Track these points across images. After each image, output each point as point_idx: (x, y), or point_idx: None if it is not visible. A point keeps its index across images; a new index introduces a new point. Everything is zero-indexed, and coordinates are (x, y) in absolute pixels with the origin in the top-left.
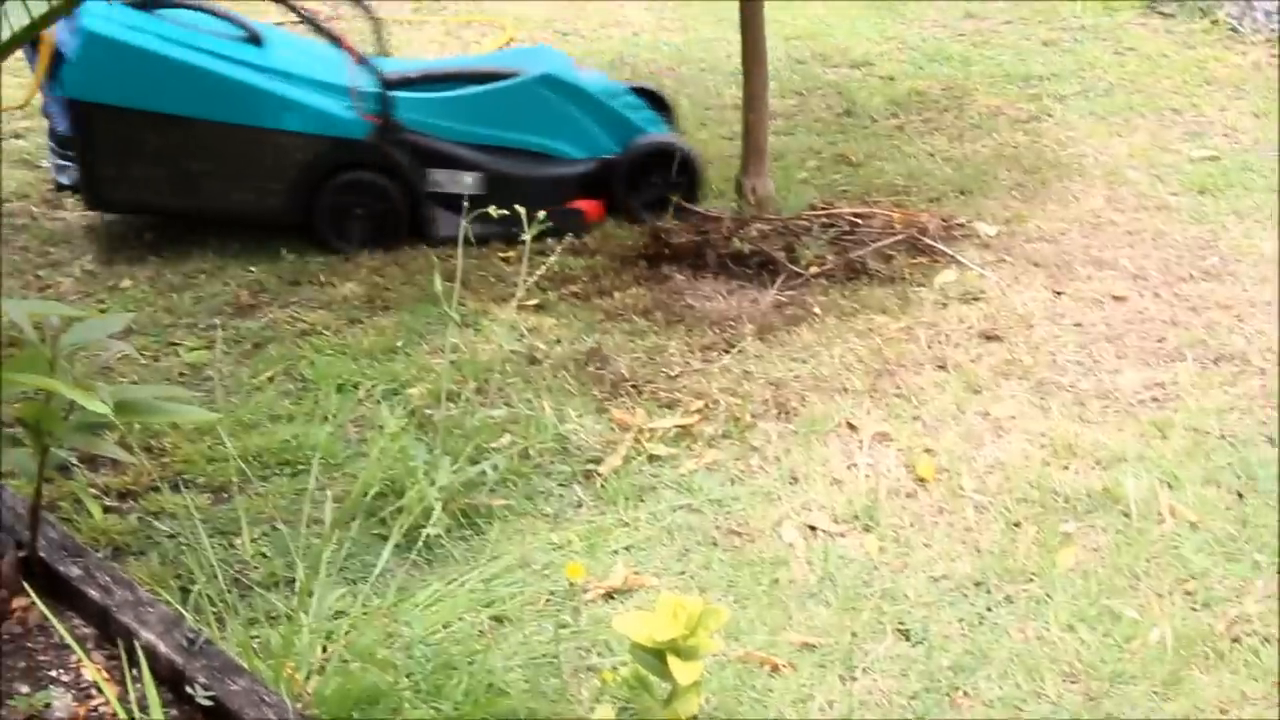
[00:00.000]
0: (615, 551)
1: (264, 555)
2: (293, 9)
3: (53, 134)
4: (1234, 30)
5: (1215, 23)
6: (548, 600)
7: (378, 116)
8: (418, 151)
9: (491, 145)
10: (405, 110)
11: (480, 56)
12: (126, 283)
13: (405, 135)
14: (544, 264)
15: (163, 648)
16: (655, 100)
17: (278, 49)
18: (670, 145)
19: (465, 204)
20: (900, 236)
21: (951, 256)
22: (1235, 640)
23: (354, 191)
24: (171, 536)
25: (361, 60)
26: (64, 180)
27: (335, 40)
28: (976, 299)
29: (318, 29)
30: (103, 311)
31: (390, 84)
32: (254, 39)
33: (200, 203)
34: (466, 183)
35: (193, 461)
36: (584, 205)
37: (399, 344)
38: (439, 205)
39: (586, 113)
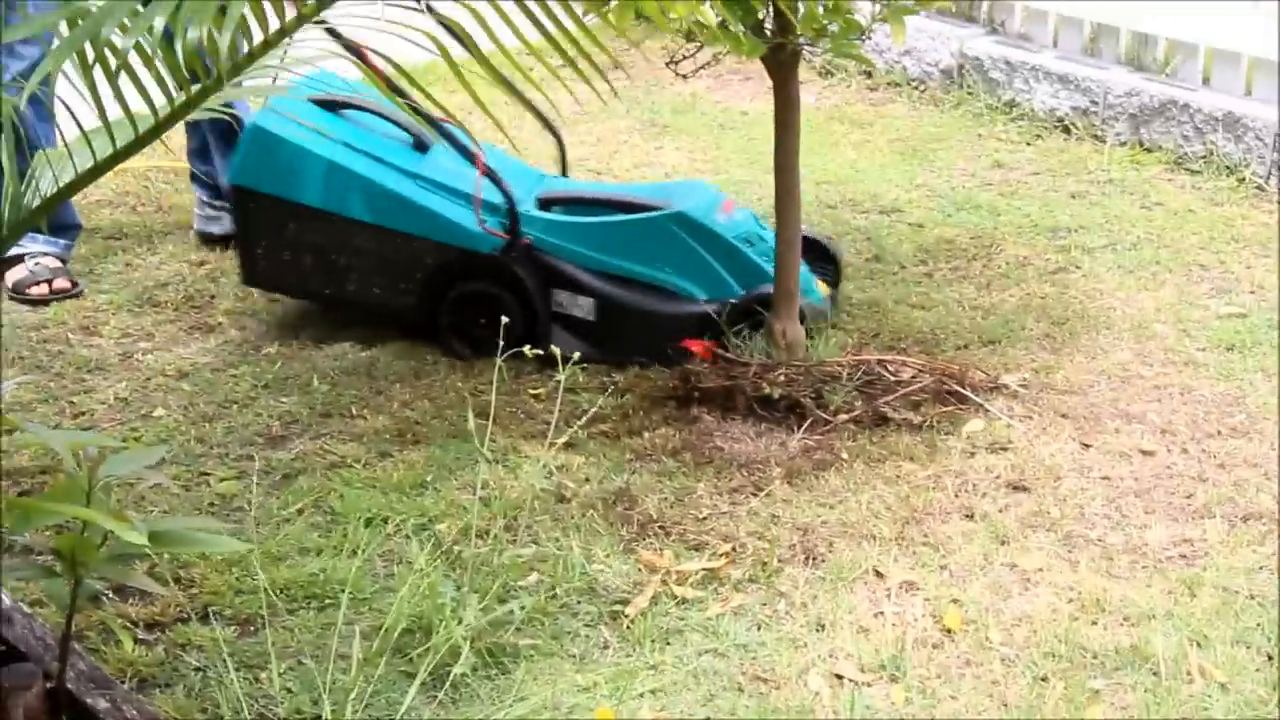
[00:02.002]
0: (641, 695)
1: (290, 690)
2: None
3: (206, 187)
4: (1260, 188)
5: (1242, 181)
6: None
7: (505, 233)
8: (543, 270)
9: (615, 274)
10: (536, 229)
11: (634, 186)
12: (159, 411)
13: (533, 254)
14: (575, 402)
15: None
16: (819, 251)
17: (439, 157)
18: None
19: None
20: (929, 383)
21: (980, 405)
22: None
23: (475, 302)
24: (198, 669)
25: (488, 173)
26: (213, 230)
27: (469, 158)
28: (1004, 449)
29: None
30: (136, 440)
31: (543, 203)
32: (419, 146)
33: (340, 292)
34: (584, 306)
35: (221, 593)
36: (694, 345)
37: (429, 479)
38: (558, 324)
39: (715, 254)
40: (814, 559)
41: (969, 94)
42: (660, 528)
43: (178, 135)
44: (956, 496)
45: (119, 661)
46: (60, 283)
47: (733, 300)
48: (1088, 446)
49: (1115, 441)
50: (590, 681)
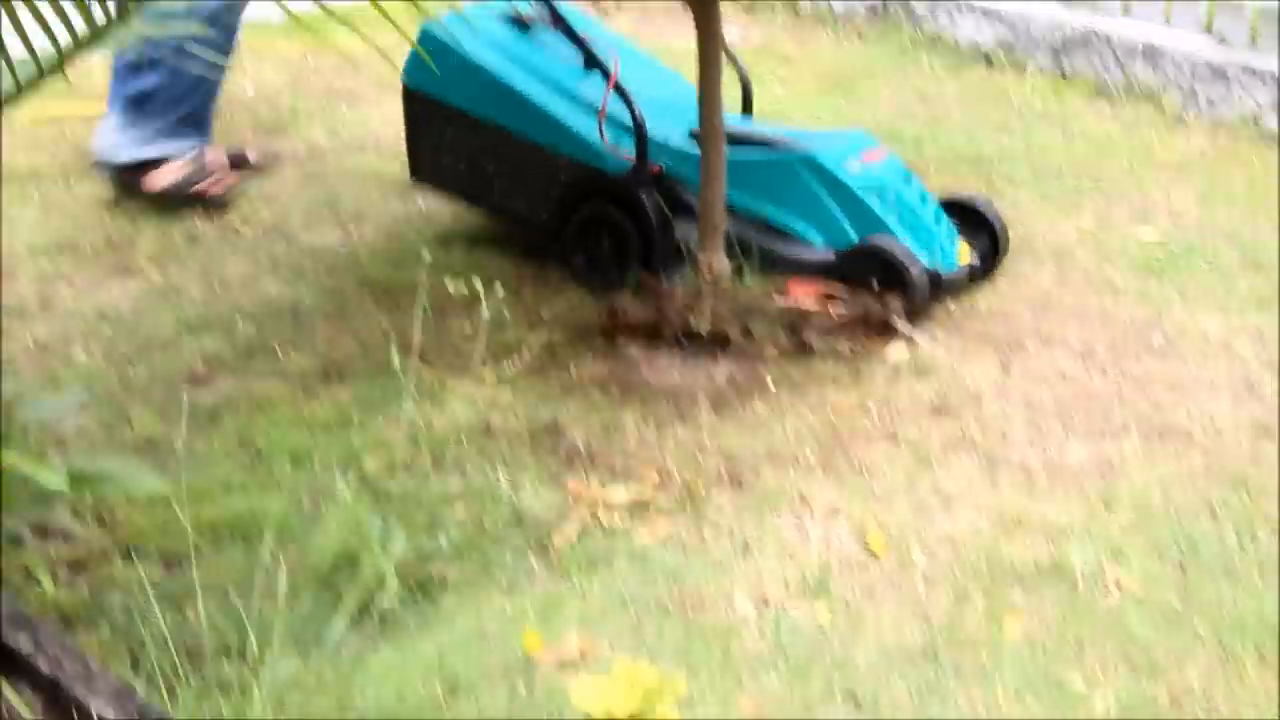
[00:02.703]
0: (570, 621)
1: (216, 625)
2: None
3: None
4: (1179, 116)
5: (1161, 109)
6: (502, 670)
7: (633, 157)
8: (669, 200)
9: (737, 212)
10: (667, 158)
11: (790, 129)
12: (80, 354)
13: (662, 182)
14: (501, 337)
15: (113, 719)
16: (971, 216)
17: (596, 79)
18: (881, 252)
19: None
20: (854, 315)
21: (904, 335)
22: (1179, 709)
23: (599, 225)
24: (123, 607)
25: (619, 91)
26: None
27: (605, 73)
28: (927, 374)
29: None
30: (56, 384)
31: (695, 135)
32: (589, 63)
33: (489, 200)
34: (692, 237)
35: (145, 532)
36: (802, 289)
37: (355, 416)
38: (678, 258)
39: (839, 202)
40: (740, 486)
41: (893, 27)
42: (588, 459)
43: (99, 78)
44: (880, 421)
45: (42, 602)
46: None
47: (843, 250)
48: (1009, 370)
49: (1036, 365)
50: (518, 610)
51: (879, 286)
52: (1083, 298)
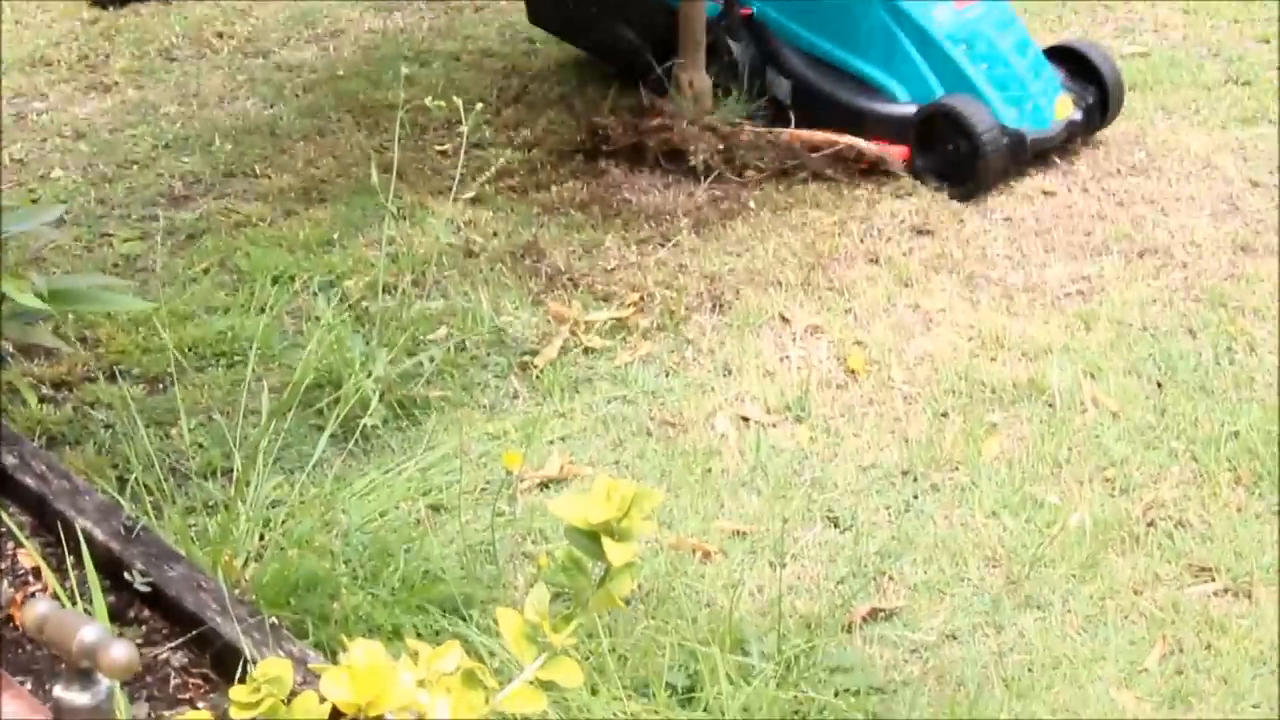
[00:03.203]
0: (551, 442)
1: (201, 445)
2: None
3: None
4: None
5: None
6: (484, 489)
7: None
8: (756, 42)
9: (819, 57)
10: (776, 10)
11: None
12: (57, 172)
13: (751, 25)
14: (481, 157)
15: (100, 535)
16: (1078, 65)
17: None
18: (953, 113)
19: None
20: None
21: (885, 166)
22: (1150, 524)
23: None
24: (107, 426)
25: None
26: None
27: None
28: (909, 194)
29: None
30: (34, 202)
31: None
32: None
33: (593, 43)
34: (783, 88)
35: (128, 352)
36: (889, 148)
37: (335, 236)
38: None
39: (923, 51)
40: (721, 306)
41: None
42: (569, 280)
43: None
44: (862, 241)
45: (27, 420)
46: None
47: (924, 105)
48: (990, 191)
49: (1017, 183)
50: (500, 430)
51: (954, 148)
52: None
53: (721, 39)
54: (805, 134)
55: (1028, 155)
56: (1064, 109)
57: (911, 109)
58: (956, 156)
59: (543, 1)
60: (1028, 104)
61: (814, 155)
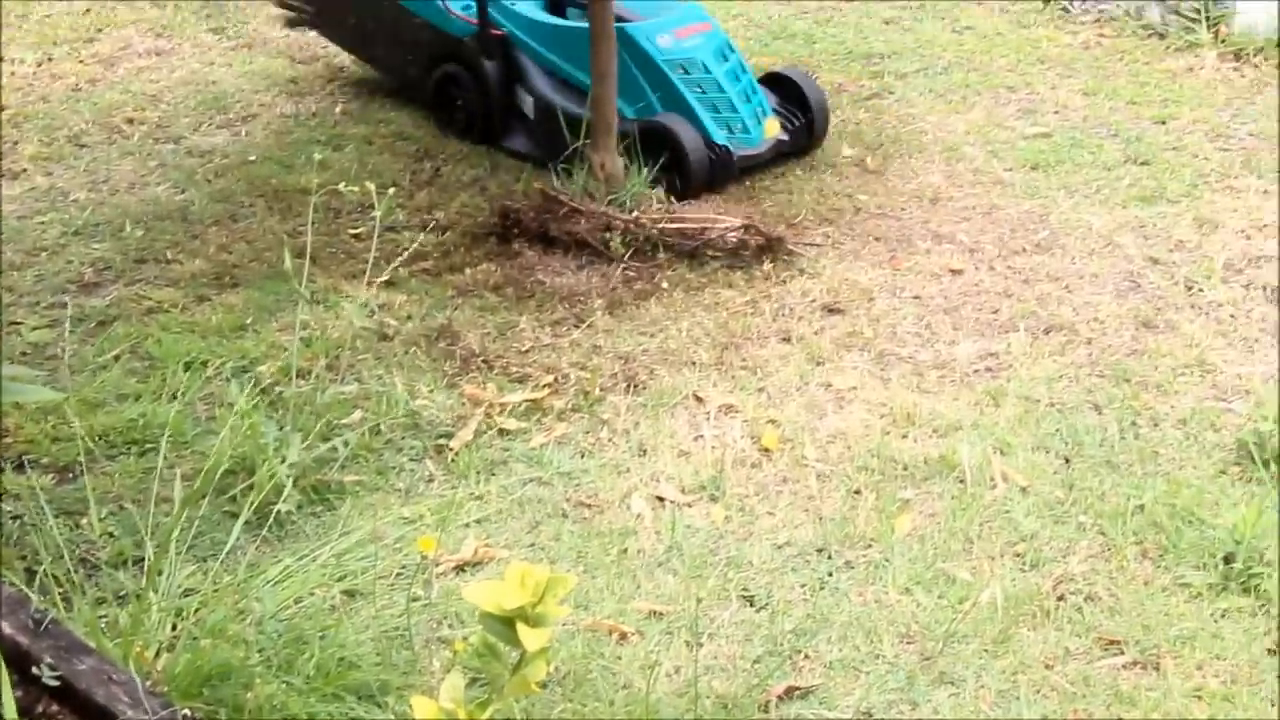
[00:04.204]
0: (466, 525)
1: (111, 535)
2: None
3: None
4: (1065, 10)
5: (1047, 3)
6: (399, 574)
7: (475, 21)
8: (507, 63)
9: (561, 77)
10: (511, 23)
11: (646, 2)
12: None
13: (504, 47)
14: (395, 240)
15: (7, 629)
16: (789, 91)
17: None
18: (665, 130)
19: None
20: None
21: (790, 249)
22: (1060, 599)
23: (453, 84)
24: (15, 518)
25: None
26: None
27: None
28: (819, 274)
29: None
30: None
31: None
32: None
33: (370, 55)
34: (528, 104)
35: (37, 442)
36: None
37: (248, 321)
38: (515, 119)
39: (645, 74)
40: (635, 386)
41: None
42: (483, 362)
43: None
44: (774, 320)
45: None
46: None
47: (630, 119)
48: (899, 267)
49: (926, 262)
50: (415, 514)
51: (667, 161)
52: (971, 193)
53: (475, 56)
54: (692, 216)
55: (735, 169)
56: (772, 129)
57: (635, 125)
58: (670, 167)
59: (323, 16)
60: (737, 124)
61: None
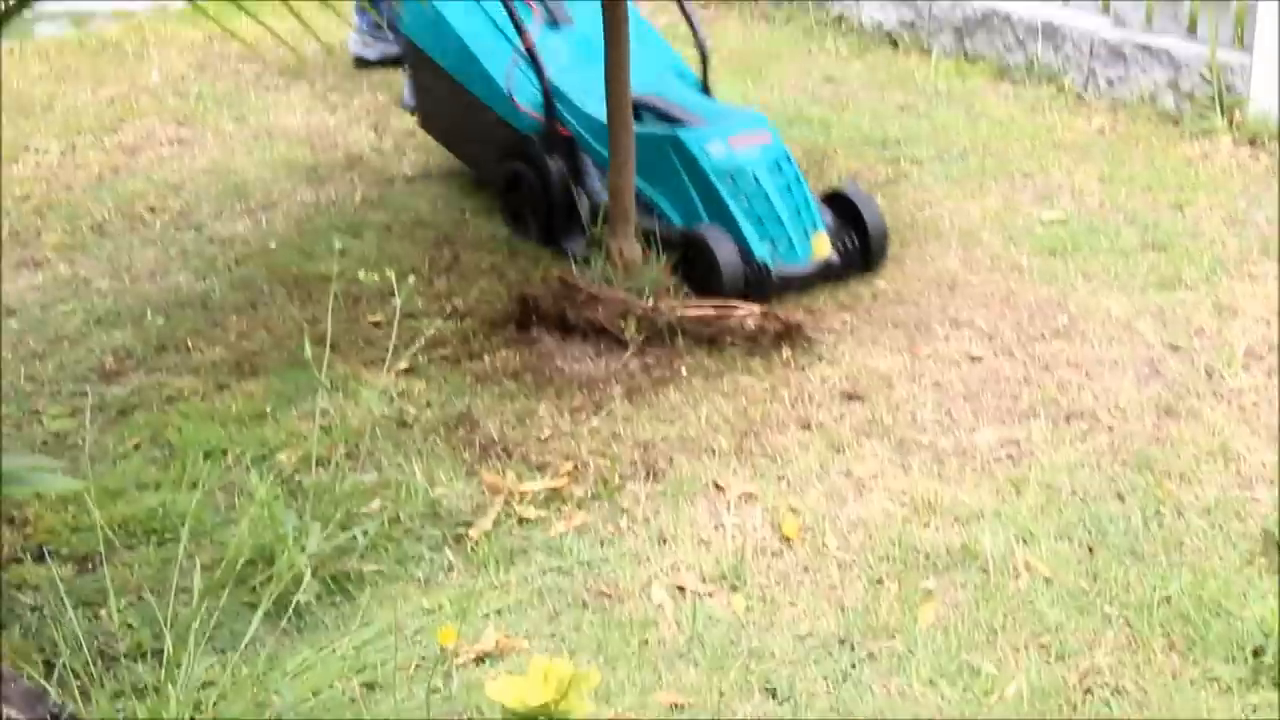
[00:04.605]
0: (486, 615)
1: (130, 626)
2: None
3: (366, 15)
4: (1079, 96)
5: (1061, 89)
6: (419, 665)
7: (542, 116)
8: (571, 162)
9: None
10: (577, 122)
11: (712, 105)
12: None
13: (570, 145)
14: (414, 327)
15: None
16: (848, 212)
17: (563, 36)
18: (700, 241)
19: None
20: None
21: (809, 336)
22: (1087, 691)
23: (519, 181)
24: (34, 609)
25: (530, 52)
26: (367, 55)
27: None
28: (838, 360)
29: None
30: None
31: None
32: (553, 22)
33: (463, 153)
34: (583, 205)
35: (56, 532)
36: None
37: (268, 409)
38: (575, 220)
39: (692, 180)
40: (655, 474)
41: (799, 9)
42: (503, 449)
43: None
44: (793, 407)
45: None
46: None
47: (676, 226)
48: (918, 354)
49: (945, 348)
50: (435, 604)
51: (702, 271)
52: (989, 279)
53: (540, 154)
54: (710, 303)
55: (773, 286)
56: (821, 249)
57: (679, 233)
58: (704, 278)
59: (424, 105)
60: (782, 240)
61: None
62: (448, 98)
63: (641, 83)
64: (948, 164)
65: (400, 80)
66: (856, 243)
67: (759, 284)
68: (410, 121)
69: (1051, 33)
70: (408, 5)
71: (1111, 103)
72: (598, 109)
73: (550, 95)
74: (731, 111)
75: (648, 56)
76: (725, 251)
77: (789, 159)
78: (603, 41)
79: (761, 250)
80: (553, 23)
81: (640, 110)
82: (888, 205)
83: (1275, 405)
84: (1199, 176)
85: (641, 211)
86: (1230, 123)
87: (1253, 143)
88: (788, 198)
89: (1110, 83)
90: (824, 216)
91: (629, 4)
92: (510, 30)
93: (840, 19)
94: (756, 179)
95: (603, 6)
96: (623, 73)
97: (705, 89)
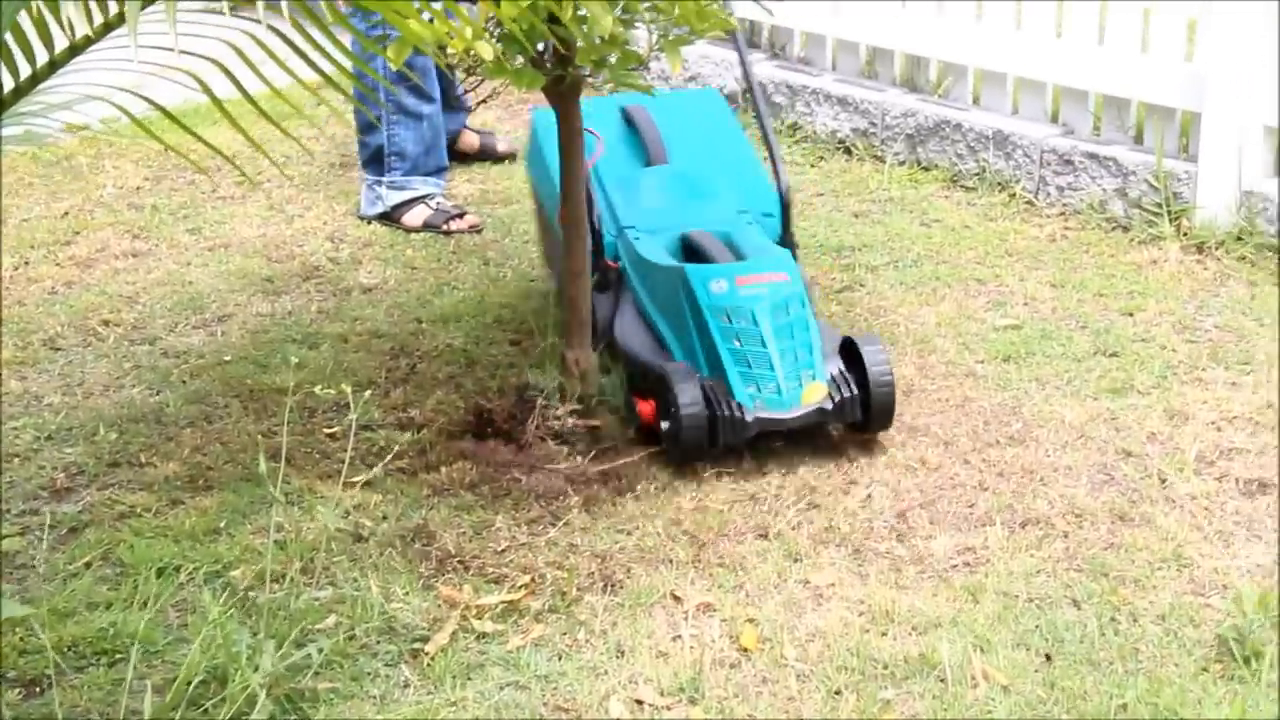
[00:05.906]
0: None
1: None
2: None
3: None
4: (1030, 204)
5: (1013, 196)
6: None
7: (609, 259)
8: (618, 299)
9: (645, 319)
10: (623, 256)
11: (756, 247)
12: None
13: (619, 281)
14: (370, 439)
15: None
16: (855, 360)
17: (652, 177)
18: (662, 381)
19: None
20: None
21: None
22: None
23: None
24: None
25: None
26: (371, 213)
27: None
28: (793, 470)
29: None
30: None
31: (683, 240)
32: (650, 161)
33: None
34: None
35: (4, 655)
36: (643, 405)
37: (222, 524)
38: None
39: (692, 317)
40: (612, 586)
41: (751, 119)
42: (459, 562)
43: None
44: (750, 516)
45: None
46: (471, 219)
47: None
48: (874, 461)
49: (901, 455)
50: None
51: (663, 410)
52: (944, 385)
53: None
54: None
55: (749, 433)
56: (813, 395)
57: (654, 367)
58: (667, 415)
59: (543, 244)
60: (769, 384)
61: None
62: (550, 230)
63: (716, 220)
64: (902, 270)
65: (357, 190)
66: (853, 391)
67: (731, 428)
68: (367, 231)
69: (1002, 141)
70: (529, 141)
71: (1062, 210)
72: (650, 245)
73: (596, 230)
74: (765, 253)
75: (735, 195)
76: (691, 397)
77: (802, 302)
78: (700, 178)
79: (743, 394)
80: (650, 161)
81: (687, 245)
82: (844, 313)
83: (1226, 511)
84: (1149, 283)
85: (656, 352)
86: (1178, 230)
87: (1200, 249)
88: (787, 341)
89: (1061, 190)
90: (830, 364)
91: (740, 136)
92: (603, 168)
93: (795, 126)
94: (754, 318)
95: (559, 119)
96: (578, 185)
97: (785, 234)
